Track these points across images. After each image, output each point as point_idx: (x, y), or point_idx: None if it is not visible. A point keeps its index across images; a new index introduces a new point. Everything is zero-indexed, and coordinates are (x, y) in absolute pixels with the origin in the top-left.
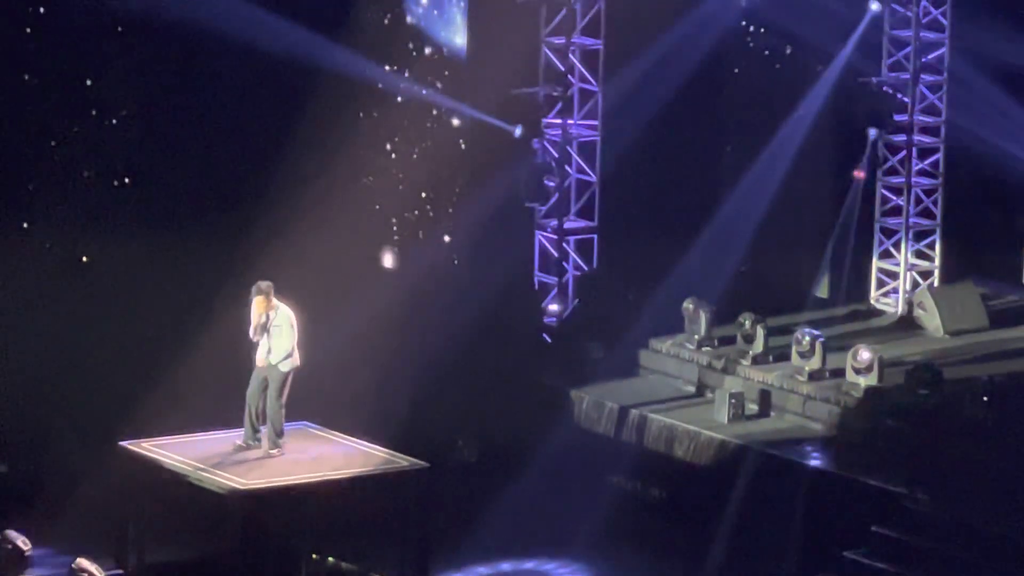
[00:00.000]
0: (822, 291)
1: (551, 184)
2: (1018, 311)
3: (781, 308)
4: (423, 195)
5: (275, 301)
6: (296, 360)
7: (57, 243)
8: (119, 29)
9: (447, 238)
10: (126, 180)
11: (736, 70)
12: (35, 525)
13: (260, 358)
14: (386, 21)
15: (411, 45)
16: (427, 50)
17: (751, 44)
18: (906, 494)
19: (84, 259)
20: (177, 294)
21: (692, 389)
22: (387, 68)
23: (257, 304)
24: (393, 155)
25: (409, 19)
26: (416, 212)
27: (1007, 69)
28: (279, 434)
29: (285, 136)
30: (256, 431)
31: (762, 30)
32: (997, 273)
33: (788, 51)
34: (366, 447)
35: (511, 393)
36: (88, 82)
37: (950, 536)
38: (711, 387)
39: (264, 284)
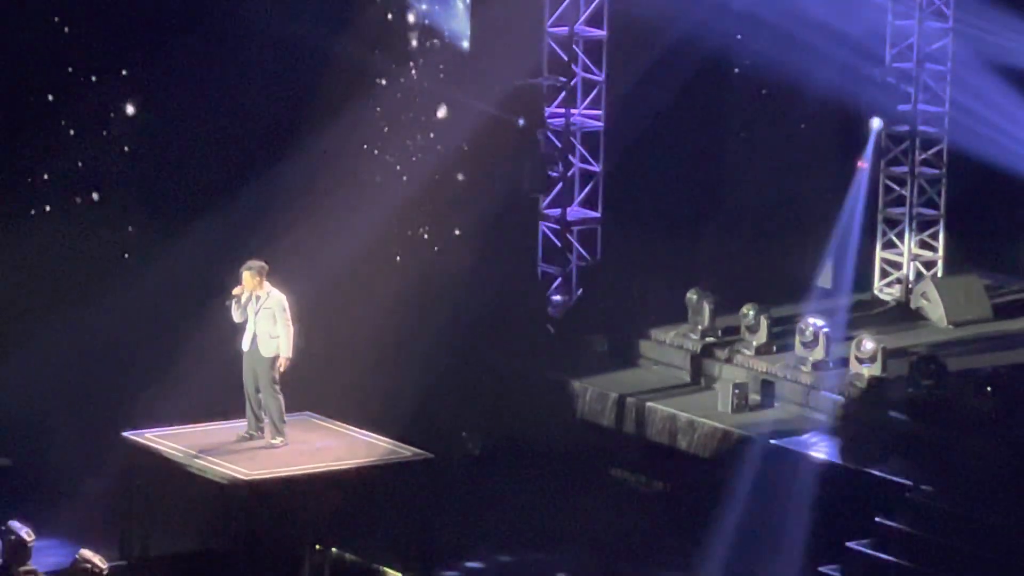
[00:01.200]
0: (825, 281)
1: (554, 174)
2: (1022, 302)
3: (784, 298)
4: (426, 186)
5: (267, 285)
6: (283, 346)
7: (57, 235)
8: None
9: (452, 229)
10: (123, 175)
11: (737, 69)
12: (38, 516)
13: (245, 343)
14: (389, 16)
15: (414, 37)
16: (430, 42)
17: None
18: (910, 485)
19: (84, 252)
20: (180, 283)
21: (688, 378)
22: (390, 60)
23: (245, 280)
24: (396, 148)
25: (412, 12)
26: (419, 204)
27: (1011, 59)
28: (281, 423)
29: (288, 129)
30: (259, 421)
31: (740, 37)
32: (1001, 263)
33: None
34: (370, 437)
35: (515, 384)
36: (93, 78)
37: (954, 527)
38: (705, 375)
39: (256, 263)
